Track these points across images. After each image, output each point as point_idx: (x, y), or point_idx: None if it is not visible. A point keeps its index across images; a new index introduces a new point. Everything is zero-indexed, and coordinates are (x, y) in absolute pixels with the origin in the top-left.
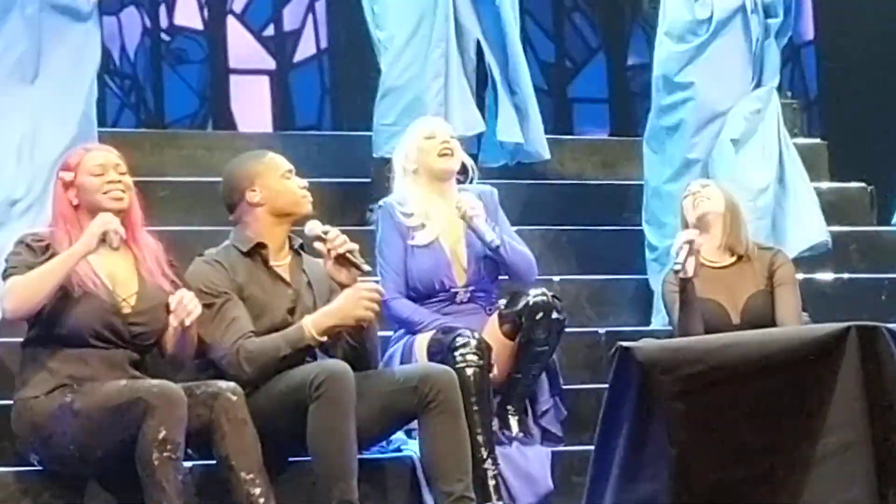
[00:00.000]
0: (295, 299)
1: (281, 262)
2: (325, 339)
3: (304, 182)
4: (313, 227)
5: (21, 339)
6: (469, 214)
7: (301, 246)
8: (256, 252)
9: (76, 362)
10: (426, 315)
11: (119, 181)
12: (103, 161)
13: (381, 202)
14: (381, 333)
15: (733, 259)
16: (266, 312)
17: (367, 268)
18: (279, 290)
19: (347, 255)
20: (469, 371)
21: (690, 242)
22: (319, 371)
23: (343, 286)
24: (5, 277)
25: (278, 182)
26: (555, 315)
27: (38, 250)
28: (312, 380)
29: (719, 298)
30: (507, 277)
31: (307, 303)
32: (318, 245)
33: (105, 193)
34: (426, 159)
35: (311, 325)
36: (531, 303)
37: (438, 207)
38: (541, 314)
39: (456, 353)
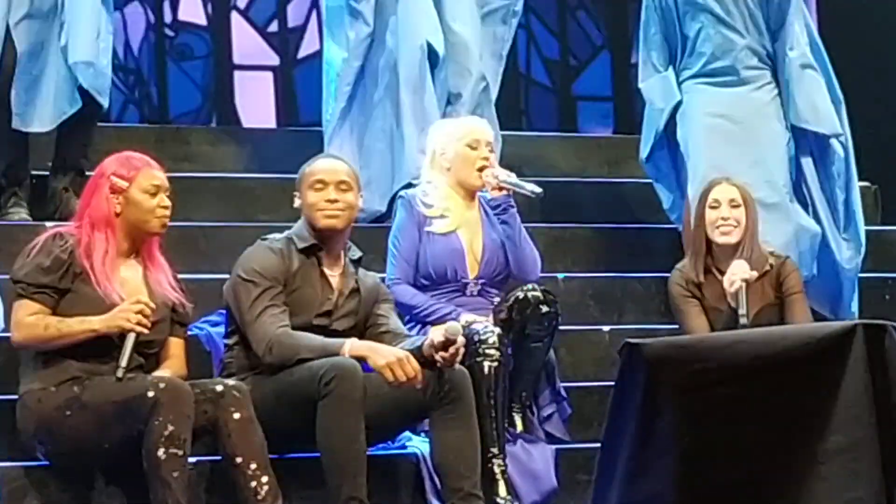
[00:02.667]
0: (335, 304)
1: (334, 270)
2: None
3: (336, 195)
4: (454, 331)
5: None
6: (503, 179)
7: (359, 259)
8: (313, 252)
9: (84, 361)
10: (424, 300)
11: (169, 206)
12: (160, 183)
13: (402, 193)
14: None
15: None
16: (305, 310)
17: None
18: (324, 294)
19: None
20: (487, 365)
21: (746, 282)
22: (329, 367)
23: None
24: (22, 293)
25: (306, 191)
26: (545, 308)
27: (69, 268)
28: (322, 376)
29: (729, 311)
30: (513, 279)
31: (349, 309)
32: (439, 337)
33: (158, 217)
34: (462, 169)
35: (350, 347)
36: (521, 297)
37: (460, 203)
38: (531, 308)
39: (475, 347)
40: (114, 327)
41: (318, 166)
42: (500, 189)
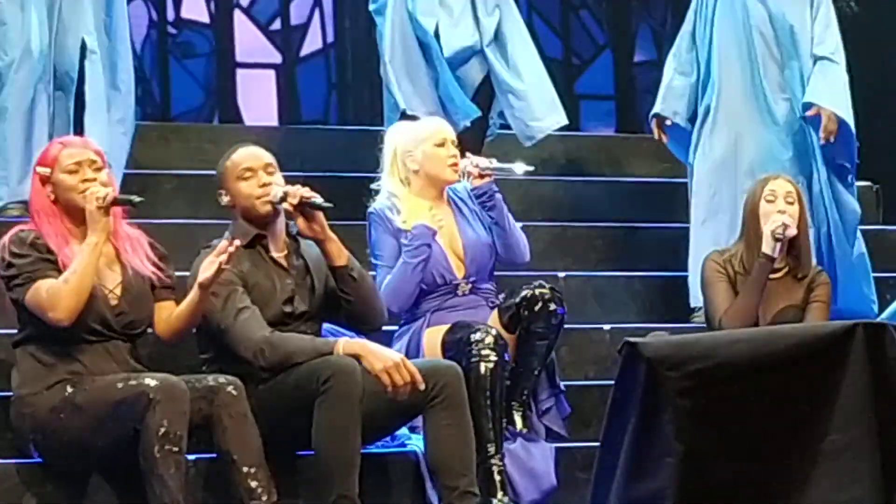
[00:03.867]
0: (294, 289)
1: (280, 252)
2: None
3: (267, 179)
4: (276, 192)
5: (11, 331)
6: (485, 167)
7: (298, 232)
8: (257, 242)
9: (72, 358)
10: (396, 269)
11: (94, 178)
12: (79, 158)
13: (370, 209)
14: (385, 328)
15: (783, 271)
16: (269, 303)
17: (328, 205)
18: (280, 280)
19: (305, 200)
20: (484, 366)
21: (786, 226)
22: (327, 366)
23: (316, 242)
24: (26, 281)
25: (235, 184)
26: (552, 307)
27: (41, 248)
28: (320, 374)
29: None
30: (502, 264)
31: (306, 288)
32: (285, 206)
33: (80, 193)
34: (435, 168)
35: (343, 346)
36: (529, 295)
37: (428, 210)
38: (539, 305)
39: (472, 348)
40: (105, 224)
41: (241, 156)
42: (482, 177)
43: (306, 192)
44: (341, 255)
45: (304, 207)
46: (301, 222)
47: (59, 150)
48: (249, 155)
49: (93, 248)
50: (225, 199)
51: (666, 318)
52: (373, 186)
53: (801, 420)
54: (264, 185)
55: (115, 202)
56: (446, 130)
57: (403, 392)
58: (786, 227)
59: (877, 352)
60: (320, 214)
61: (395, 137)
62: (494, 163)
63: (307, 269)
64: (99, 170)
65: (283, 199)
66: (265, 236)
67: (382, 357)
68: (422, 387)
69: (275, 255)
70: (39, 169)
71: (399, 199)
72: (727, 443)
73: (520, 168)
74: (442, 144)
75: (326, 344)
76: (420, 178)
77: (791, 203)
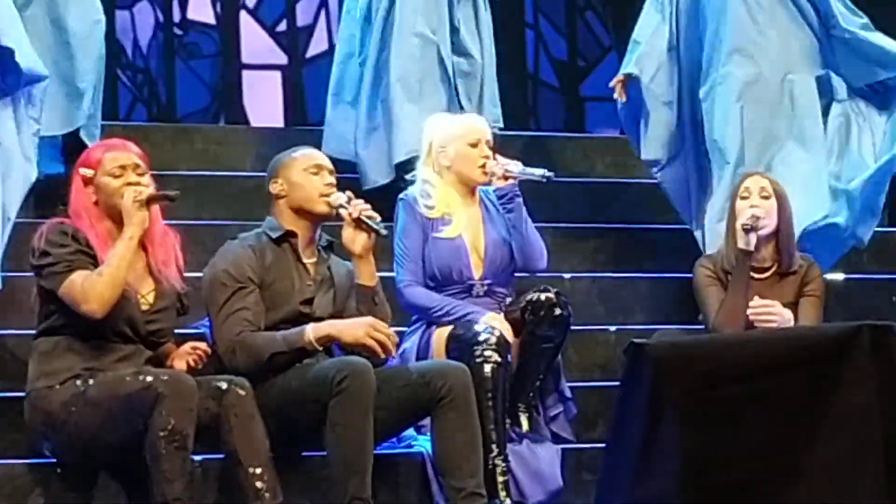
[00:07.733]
0: (314, 292)
1: (308, 258)
2: (321, 347)
3: (332, 180)
4: (338, 196)
5: (31, 332)
6: (510, 171)
7: (330, 245)
8: (286, 240)
9: (93, 356)
10: (439, 300)
11: (137, 183)
12: (124, 162)
13: (402, 195)
14: (396, 328)
15: (772, 270)
16: (285, 302)
17: (384, 232)
18: (302, 281)
19: (364, 217)
20: (487, 367)
21: (757, 218)
22: (342, 367)
23: (353, 256)
24: (64, 270)
25: (300, 175)
26: (558, 311)
27: (82, 241)
28: (334, 375)
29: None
30: (518, 272)
31: (326, 300)
32: (342, 212)
33: (121, 197)
34: (465, 167)
35: (312, 330)
36: (534, 299)
37: (460, 202)
38: (544, 310)
39: (475, 349)
40: (141, 219)
41: (310, 152)
42: (506, 178)
43: (368, 210)
44: (373, 277)
45: (359, 222)
46: (348, 233)
47: (103, 152)
48: (318, 153)
49: (128, 242)
50: (278, 188)
51: (672, 320)
52: (408, 177)
53: (806, 422)
54: (329, 184)
55: (152, 199)
56: (481, 130)
57: (387, 354)
58: (756, 218)
59: (882, 353)
60: (372, 235)
61: (433, 129)
62: (519, 166)
63: (332, 284)
64: (143, 174)
65: (344, 206)
66: (296, 235)
67: (354, 328)
68: (393, 354)
69: (303, 258)
70: (83, 170)
71: (433, 187)
72: (733, 444)
73: (539, 172)
74: (475, 144)
75: (295, 334)
76: (451, 174)
77: (766, 197)
